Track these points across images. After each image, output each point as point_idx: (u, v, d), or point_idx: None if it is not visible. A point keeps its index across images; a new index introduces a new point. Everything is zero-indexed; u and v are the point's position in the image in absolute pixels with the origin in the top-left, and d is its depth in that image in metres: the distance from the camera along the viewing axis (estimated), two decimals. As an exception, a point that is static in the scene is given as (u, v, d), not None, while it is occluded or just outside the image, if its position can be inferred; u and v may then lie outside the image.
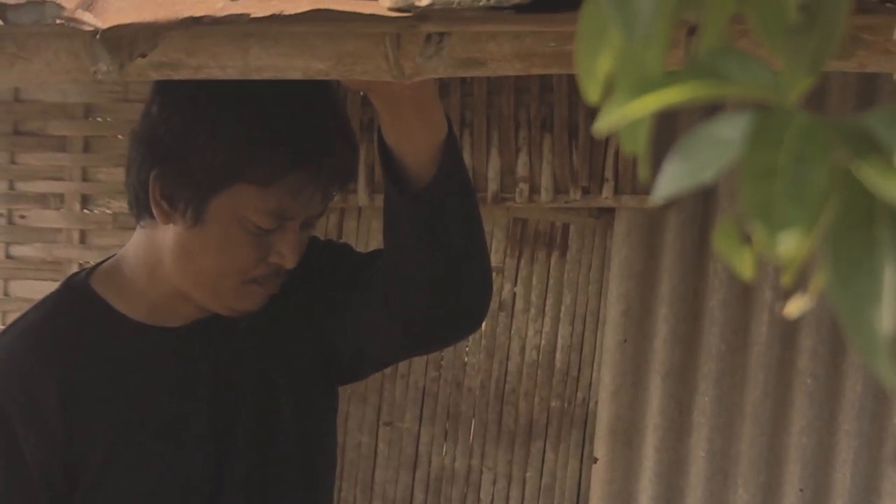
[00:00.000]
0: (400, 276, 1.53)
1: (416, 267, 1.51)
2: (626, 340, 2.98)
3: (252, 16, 1.08)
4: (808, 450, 2.91)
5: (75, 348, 1.57)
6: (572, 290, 3.05)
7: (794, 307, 0.60)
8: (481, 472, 3.11)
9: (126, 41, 1.12)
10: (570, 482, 3.08)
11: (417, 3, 1.06)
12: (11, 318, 2.40)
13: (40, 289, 2.65)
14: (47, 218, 3.17)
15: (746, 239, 0.54)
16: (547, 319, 3.06)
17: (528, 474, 3.10)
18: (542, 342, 3.07)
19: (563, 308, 3.06)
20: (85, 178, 3.14)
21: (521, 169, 3.02)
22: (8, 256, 3.19)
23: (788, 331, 2.89)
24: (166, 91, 1.51)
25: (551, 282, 3.06)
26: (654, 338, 2.97)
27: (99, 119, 3.15)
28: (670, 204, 2.89)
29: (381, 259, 1.59)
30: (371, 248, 1.78)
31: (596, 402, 3.03)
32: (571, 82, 2.81)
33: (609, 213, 3.01)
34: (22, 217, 3.17)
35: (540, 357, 3.07)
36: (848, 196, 0.51)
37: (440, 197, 1.47)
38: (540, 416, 3.08)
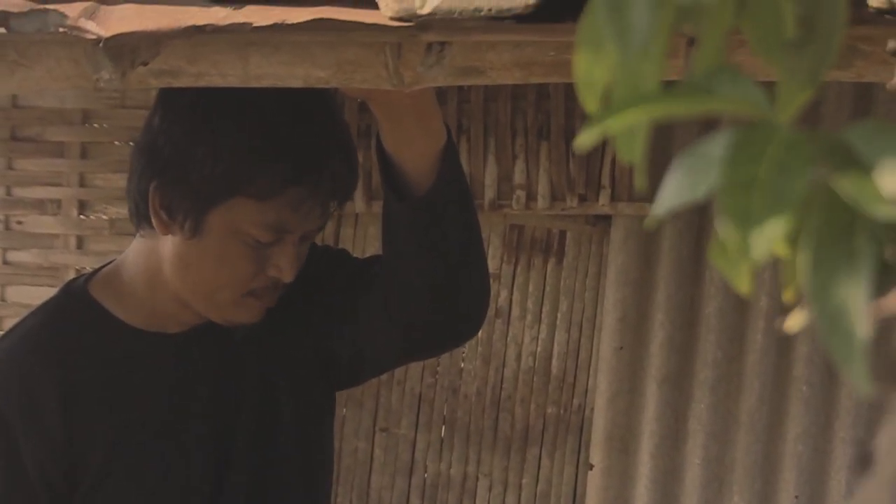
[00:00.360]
0: (399, 283, 1.54)
1: (416, 273, 1.51)
2: (622, 347, 2.98)
3: (254, 25, 1.08)
4: (804, 457, 2.91)
5: (74, 351, 1.58)
6: (569, 297, 3.05)
7: (794, 322, 0.60)
8: (477, 479, 3.11)
9: (128, 49, 1.13)
10: (566, 489, 3.08)
11: (419, 13, 1.06)
12: (8, 323, 2.40)
13: (37, 294, 2.66)
14: (44, 223, 3.16)
15: (723, 247, 0.55)
16: (543, 326, 3.06)
17: (524, 480, 3.10)
18: (539, 349, 3.07)
19: (559, 315, 3.06)
20: (82, 184, 3.14)
21: (518, 176, 3.02)
22: (5, 262, 3.18)
23: (784, 339, 2.89)
24: (168, 102, 1.52)
25: (548, 288, 3.06)
26: (651, 345, 2.97)
27: (96, 125, 3.14)
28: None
29: (379, 264, 1.60)
30: (368, 255, 1.79)
31: (592, 409, 3.03)
32: (568, 90, 2.81)
33: (605, 220, 3.01)
34: (19, 223, 3.16)
35: (536, 363, 3.07)
36: (829, 208, 0.52)
37: (439, 204, 1.48)
38: (536, 423, 3.07)
